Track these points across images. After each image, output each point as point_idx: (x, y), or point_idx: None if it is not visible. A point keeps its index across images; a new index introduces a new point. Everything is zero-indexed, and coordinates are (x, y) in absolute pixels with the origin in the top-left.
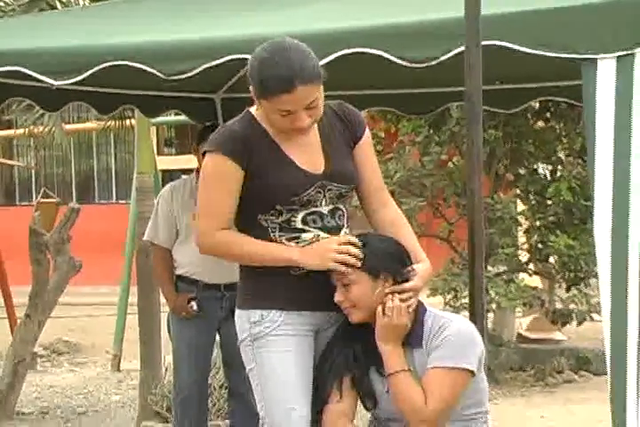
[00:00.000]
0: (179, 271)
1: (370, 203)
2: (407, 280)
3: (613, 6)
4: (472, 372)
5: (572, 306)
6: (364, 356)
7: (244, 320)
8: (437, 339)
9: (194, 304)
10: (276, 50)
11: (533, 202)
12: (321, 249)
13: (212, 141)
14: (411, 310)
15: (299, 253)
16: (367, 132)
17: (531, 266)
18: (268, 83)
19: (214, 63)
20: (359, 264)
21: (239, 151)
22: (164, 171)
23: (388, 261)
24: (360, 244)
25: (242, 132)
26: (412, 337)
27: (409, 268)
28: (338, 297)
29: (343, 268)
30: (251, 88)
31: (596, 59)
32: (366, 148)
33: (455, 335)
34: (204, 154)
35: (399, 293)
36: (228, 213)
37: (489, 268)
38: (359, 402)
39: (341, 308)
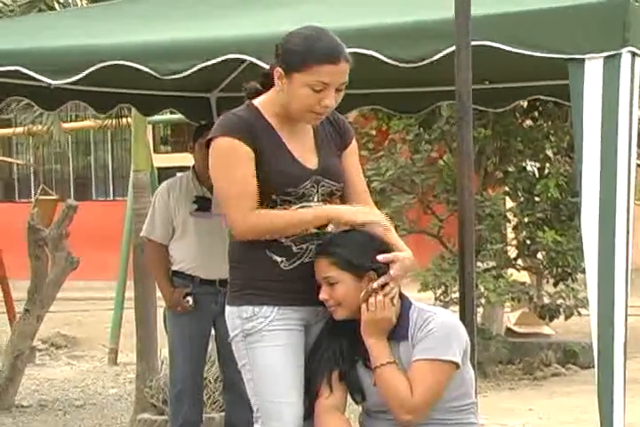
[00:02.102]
0: (175, 267)
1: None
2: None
3: (600, 7)
4: (456, 364)
5: (559, 301)
6: (351, 350)
7: (235, 317)
8: (422, 332)
9: (189, 299)
10: (318, 29)
11: (522, 199)
12: (354, 209)
13: (220, 127)
14: (395, 301)
15: (335, 210)
16: (354, 140)
17: (519, 262)
18: (315, 52)
19: (208, 63)
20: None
21: (247, 135)
22: (160, 168)
23: (372, 259)
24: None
25: (247, 118)
26: (398, 331)
27: (390, 256)
28: (323, 295)
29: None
30: (279, 68)
31: (584, 59)
32: (353, 154)
33: (439, 328)
34: (208, 142)
35: (382, 287)
36: (254, 192)
37: (478, 263)
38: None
39: (326, 305)
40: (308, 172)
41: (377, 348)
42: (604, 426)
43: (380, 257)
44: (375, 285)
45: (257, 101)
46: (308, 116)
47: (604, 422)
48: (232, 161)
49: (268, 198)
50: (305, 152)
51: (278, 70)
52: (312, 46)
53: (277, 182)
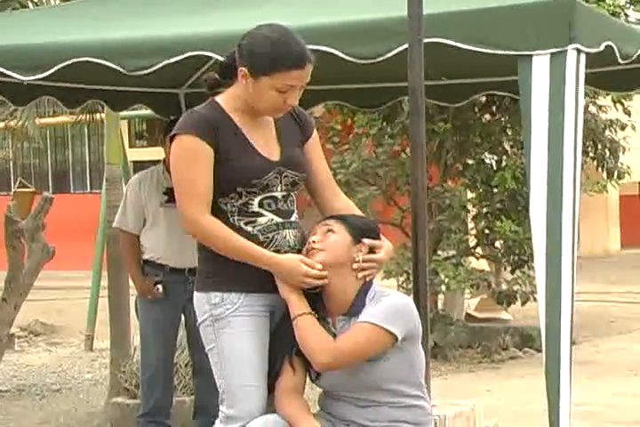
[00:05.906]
0: (145, 256)
1: (322, 194)
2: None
3: (548, 6)
4: (395, 337)
5: (516, 287)
6: None
7: (204, 302)
8: (373, 305)
9: (159, 287)
10: (282, 31)
11: (480, 190)
12: (293, 271)
13: (181, 124)
14: (368, 279)
15: (275, 264)
16: (315, 132)
17: (478, 250)
18: (284, 58)
19: (173, 60)
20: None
21: (208, 132)
22: (135, 162)
23: (367, 231)
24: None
25: (209, 115)
26: (354, 307)
27: (377, 242)
28: (314, 237)
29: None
30: (244, 68)
31: (532, 55)
32: (315, 145)
33: (390, 303)
34: (172, 138)
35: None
36: (207, 193)
37: (439, 252)
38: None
39: (309, 247)
40: (271, 163)
41: (295, 302)
42: (552, 406)
43: (367, 241)
44: (365, 248)
45: (219, 98)
46: (272, 113)
47: (551, 402)
48: (190, 159)
49: (232, 190)
50: (267, 144)
51: (243, 70)
52: (280, 52)
53: (242, 176)
